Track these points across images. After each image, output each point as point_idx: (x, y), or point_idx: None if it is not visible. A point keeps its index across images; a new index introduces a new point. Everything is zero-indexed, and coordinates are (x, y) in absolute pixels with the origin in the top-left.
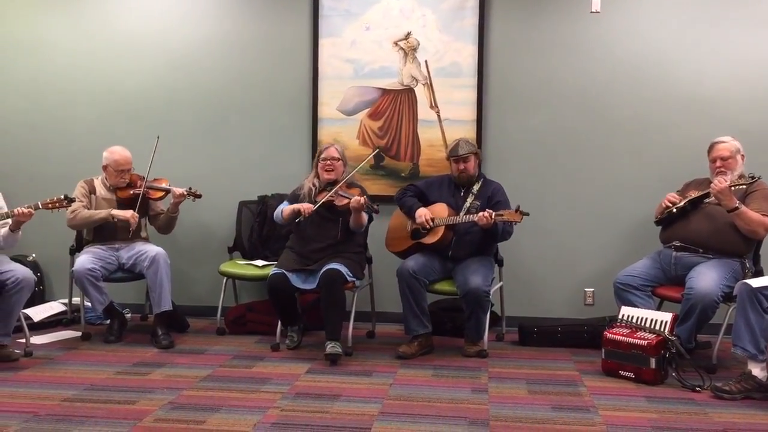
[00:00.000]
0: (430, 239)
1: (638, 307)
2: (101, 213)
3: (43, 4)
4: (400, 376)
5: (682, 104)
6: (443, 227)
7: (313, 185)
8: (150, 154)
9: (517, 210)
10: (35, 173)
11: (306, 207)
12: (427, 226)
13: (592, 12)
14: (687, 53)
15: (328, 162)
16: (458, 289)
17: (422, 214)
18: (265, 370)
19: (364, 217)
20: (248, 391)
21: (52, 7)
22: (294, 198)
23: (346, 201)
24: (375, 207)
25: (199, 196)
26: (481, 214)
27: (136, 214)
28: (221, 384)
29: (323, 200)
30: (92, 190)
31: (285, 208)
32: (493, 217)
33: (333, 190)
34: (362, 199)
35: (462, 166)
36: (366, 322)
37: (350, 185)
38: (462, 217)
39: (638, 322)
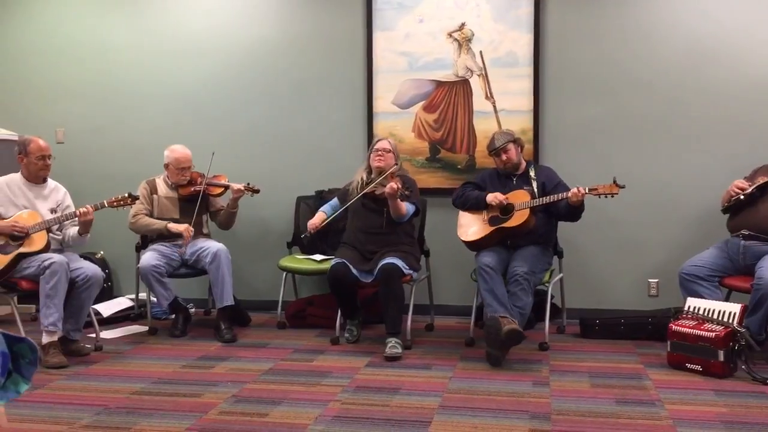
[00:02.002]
0: (513, 222)
1: (705, 298)
2: (158, 224)
3: (104, 7)
4: (460, 369)
5: (751, 88)
6: (528, 210)
7: (362, 179)
8: (209, 153)
9: (614, 182)
10: (101, 173)
11: (311, 223)
12: (504, 204)
13: None
14: (756, 34)
15: (379, 152)
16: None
17: (494, 194)
18: (326, 363)
19: (403, 206)
20: (309, 384)
21: (113, 10)
22: (343, 194)
23: (382, 189)
24: (406, 192)
25: (257, 191)
26: (573, 190)
27: (191, 228)
28: (283, 377)
29: (329, 217)
30: (154, 190)
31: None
32: (587, 191)
33: (374, 182)
34: (395, 185)
35: (504, 157)
36: (425, 315)
37: (394, 177)
38: (550, 198)
39: (705, 314)
